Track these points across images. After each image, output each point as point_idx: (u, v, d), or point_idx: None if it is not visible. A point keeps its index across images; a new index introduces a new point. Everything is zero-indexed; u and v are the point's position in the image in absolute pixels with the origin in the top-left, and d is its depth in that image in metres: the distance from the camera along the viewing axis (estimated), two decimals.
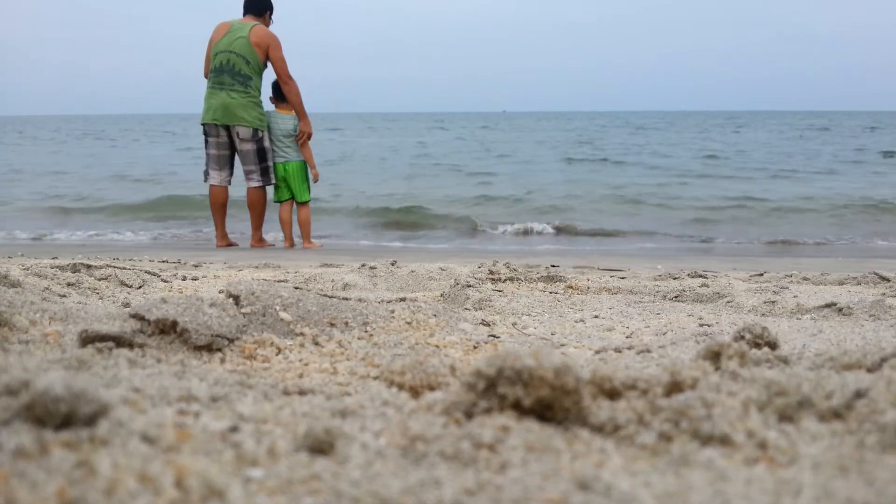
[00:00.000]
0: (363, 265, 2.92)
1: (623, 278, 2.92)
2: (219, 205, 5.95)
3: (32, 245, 6.37)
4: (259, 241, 6.08)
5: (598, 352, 1.42)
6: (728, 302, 2.22)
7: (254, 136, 5.79)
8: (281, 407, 0.89)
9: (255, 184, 5.88)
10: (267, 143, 5.88)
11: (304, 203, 6.08)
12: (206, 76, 5.88)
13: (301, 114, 5.92)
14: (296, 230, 6.15)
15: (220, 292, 1.45)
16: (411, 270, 2.66)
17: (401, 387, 1.04)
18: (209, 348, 1.23)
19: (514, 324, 1.86)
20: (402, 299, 1.81)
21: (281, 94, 5.94)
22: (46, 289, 1.94)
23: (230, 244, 6.05)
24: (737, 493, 0.64)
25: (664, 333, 1.73)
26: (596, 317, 2.01)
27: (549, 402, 0.81)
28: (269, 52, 5.76)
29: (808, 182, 12.27)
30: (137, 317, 1.23)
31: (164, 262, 3.56)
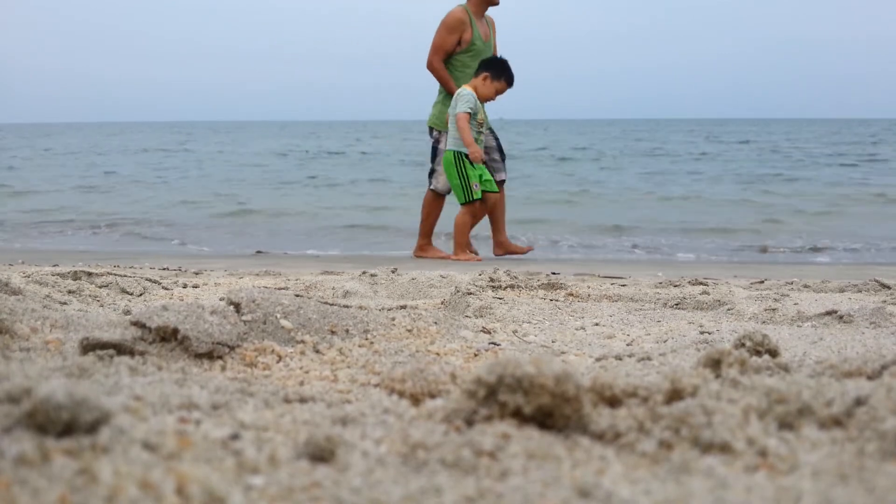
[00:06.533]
0: (364, 272, 2.92)
1: (624, 286, 2.92)
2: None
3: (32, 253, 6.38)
4: (420, 249, 5.44)
5: (598, 359, 1.42)
6: (729, 309, 2.22)
7: (430, 134, 5.50)
8: (282, 414, 0.89)
9: (428, 187, 5.50)
10: (442, 145, 5.34)
11: (461, 204, 5.17)
12: None
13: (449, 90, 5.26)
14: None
15: (220, 300, 1.45)
16: (412, 278, 2.66)
17: (401, 394, 1.04)
18: (210, 356, 1.23)
19: (514, 331, 1.87)
20: (403, 307, 1.81)
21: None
22: (47, 296, 1.94)
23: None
24: (737, 501, 0.64)
25: (665, 341, 1.73)
26: (596, 324, 2.02)
27: (550, 410, 0.81)
28: None
29: None
30: (138, 324, 1.23)
31: (164, 269, 3.56)
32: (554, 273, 3.50)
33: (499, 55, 5.35)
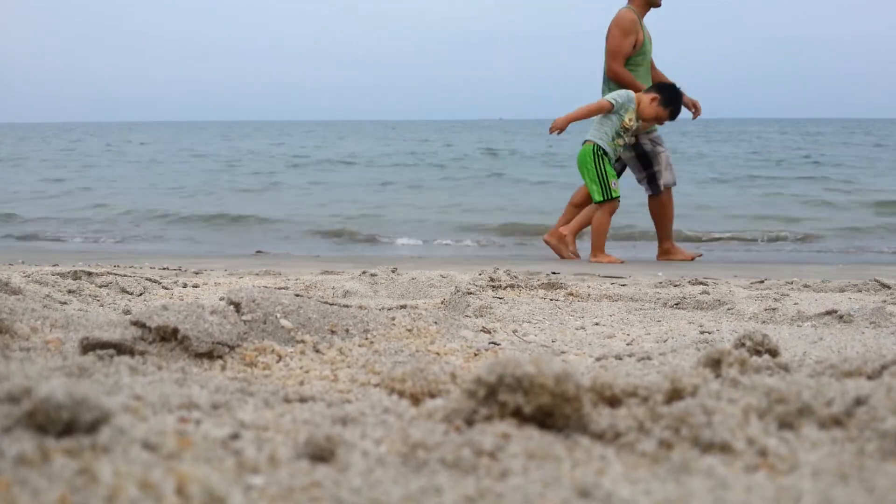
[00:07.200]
0: (364, 272, 2.92)
1: (624, 285, 2.92)
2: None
3: (32, 252, 6.38)
4: (667, 253, 5.26)
5: (598, 359, 1.42)
6: (729, 309, 2.22)
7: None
8: (282, 414, 0.89)
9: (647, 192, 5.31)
10: (648, 147, 5.18)
11: (598, 203, 5.00)
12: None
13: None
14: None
15: (220, 299, 1.45)
16: (412, 277, 2.66)
17: (401, 394, 1.04)
18: (210, 355, 1.23)
19: (514, 331, 1.86)
20: (403, 306, 1.81)
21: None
22: (47, 296, 1.94)
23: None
24: (737, 501, 0.64)
25: (665, 341, 1.73)
26: (596, 324, 2.01)
27: (550, 410, 0.81)
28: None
29: None
30: (138, 324, 1.23)
31: (164, 269, 3.56)
32: (554, 273, 3.50)
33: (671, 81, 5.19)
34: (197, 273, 3.38)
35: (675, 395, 0.87)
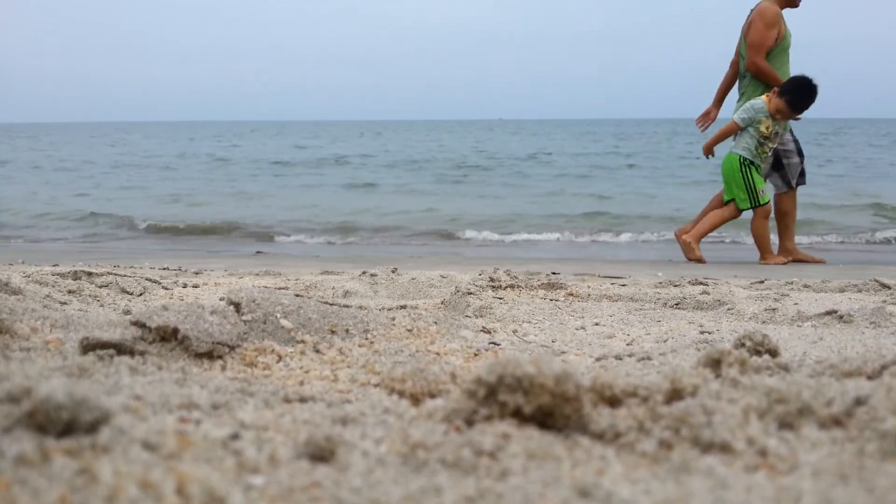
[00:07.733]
0: (364, 272, 2.92)
1: (624, 285, 2.92)
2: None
3: (32, 252, 6.38)
4: (790, 252, 5.27)
5: (598, 359, 1.42)
6: (729, 309, 2.22)
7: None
8: (282, 414, 0.89)
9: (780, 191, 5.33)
10: (781, 146, 5.19)
11: (744, 209, 5.14)
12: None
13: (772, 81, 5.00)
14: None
15: (220, 299, 1.45)
16: (412, 278, 2.66)
17: (401, 394, 1.04)
18: (210, 356, 1.23)
19: (514, 331, 1.86)
20: (403, 307, 1.81)
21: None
22: (47, 296, 1.94)
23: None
24: (737, 501, 0.64)
25: (665, 341, 1.73)
26: (596, 324, 2.01)
27: (550, 410, 0.81)
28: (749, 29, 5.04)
29: None
30: (138, 324, 1.23)
31: (164, 269, 3.56)
32: (554, 273, 3.50)
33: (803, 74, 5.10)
34: (197, 273, 3.38)
35: (675, 395, 0.87)
